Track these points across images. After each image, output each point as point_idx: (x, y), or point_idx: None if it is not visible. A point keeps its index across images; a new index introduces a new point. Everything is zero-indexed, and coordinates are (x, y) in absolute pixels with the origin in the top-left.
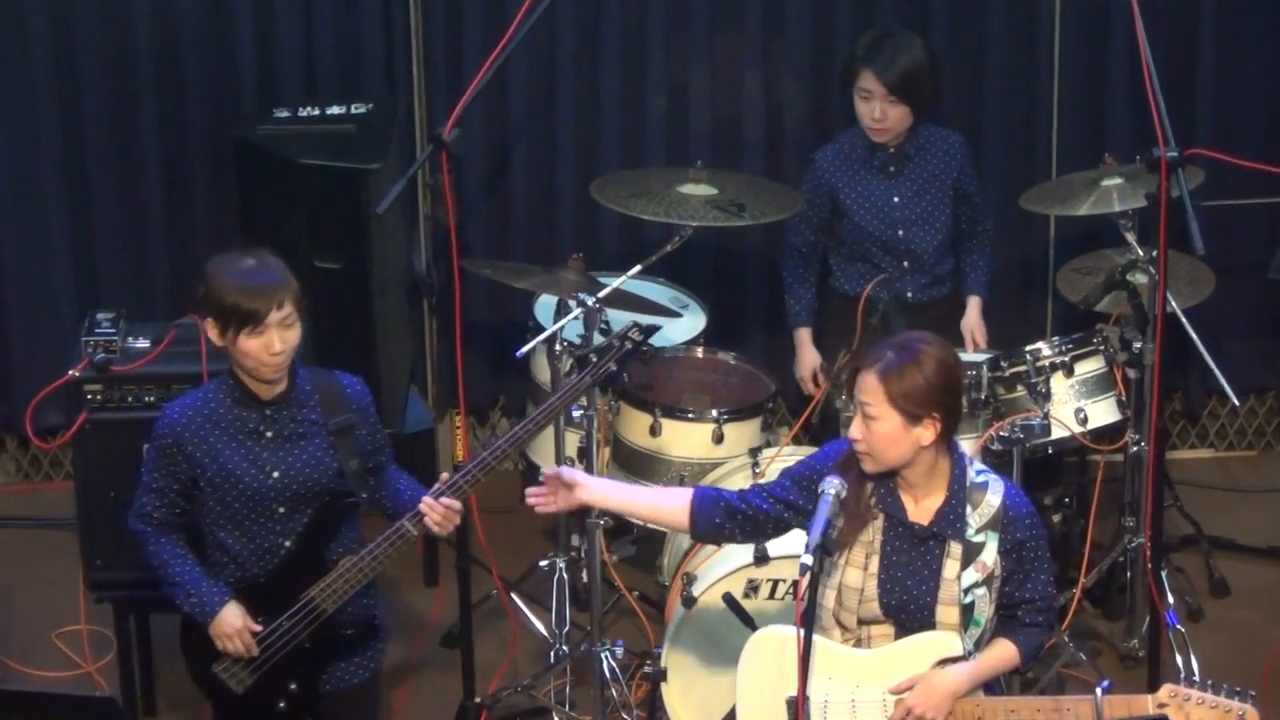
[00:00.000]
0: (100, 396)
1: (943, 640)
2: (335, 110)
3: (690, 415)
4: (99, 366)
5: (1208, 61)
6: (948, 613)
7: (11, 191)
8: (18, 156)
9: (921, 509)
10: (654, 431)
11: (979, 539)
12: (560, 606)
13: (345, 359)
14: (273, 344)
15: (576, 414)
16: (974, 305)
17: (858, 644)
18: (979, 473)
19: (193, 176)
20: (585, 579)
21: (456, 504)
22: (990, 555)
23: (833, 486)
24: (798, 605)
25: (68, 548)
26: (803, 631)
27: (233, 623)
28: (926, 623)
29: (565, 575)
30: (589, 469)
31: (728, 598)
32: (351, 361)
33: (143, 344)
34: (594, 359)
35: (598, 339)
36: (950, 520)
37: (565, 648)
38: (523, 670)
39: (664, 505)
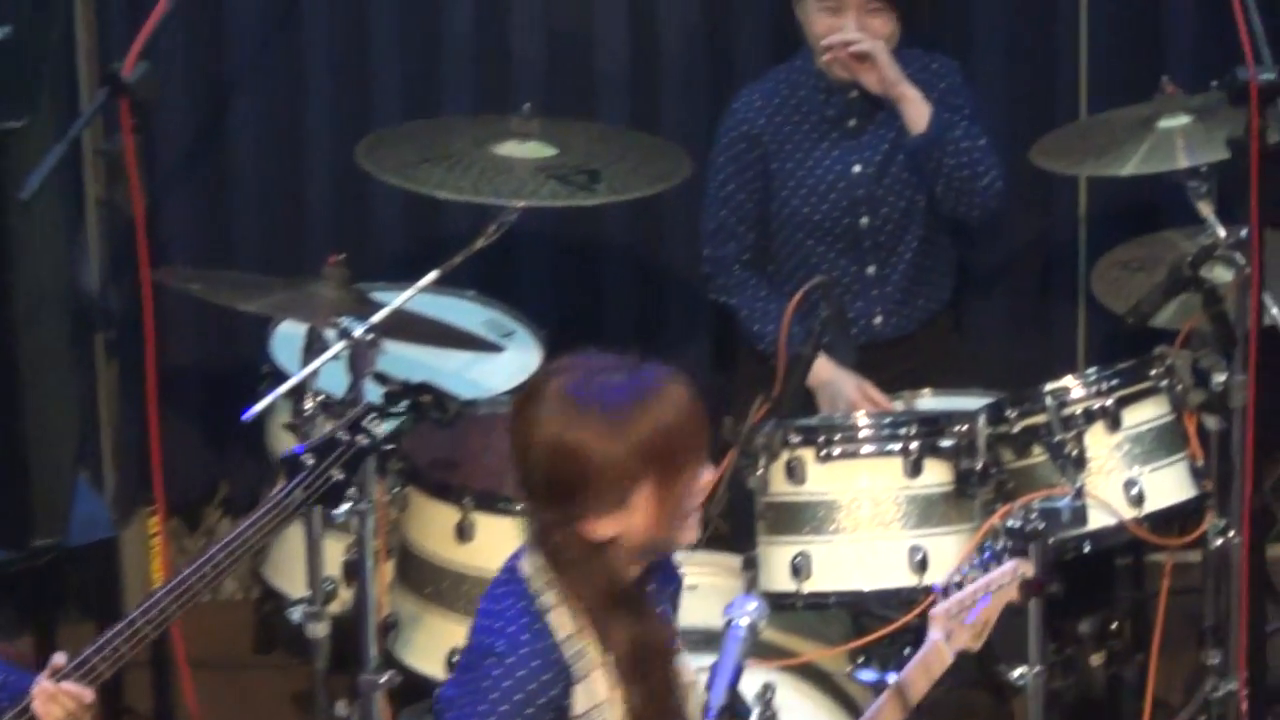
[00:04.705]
0: None
1: None
2: None
3: (518, 508)
4: None
5: None
6: None
7: None
8: None
9: None
10: (462, 534)
11: None
12: None
13: None
14: None
15: (340, 511)
16: None
17: None
18: None
19: None
20: None
21: (88, 694)
22: None
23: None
24: None
25: None
26: None
27: None
28: None
29: None
30: (362, 593)
31: None
32: None
33: None
34: (310, 462)
35: (373, 394)
36: None
37: None
38: None
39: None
